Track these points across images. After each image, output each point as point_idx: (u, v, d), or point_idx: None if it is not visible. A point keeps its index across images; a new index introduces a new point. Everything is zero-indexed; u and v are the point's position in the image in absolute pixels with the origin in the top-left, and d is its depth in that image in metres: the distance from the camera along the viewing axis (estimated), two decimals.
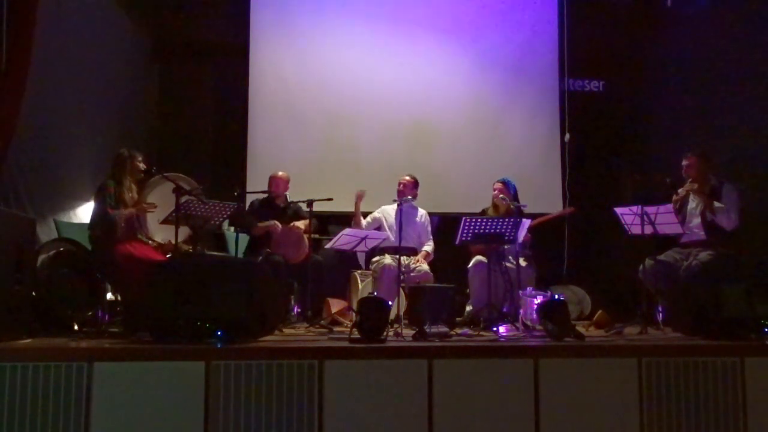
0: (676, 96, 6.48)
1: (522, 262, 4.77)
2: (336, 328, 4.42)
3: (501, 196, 5.04)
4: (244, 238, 5.25)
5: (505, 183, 5.16)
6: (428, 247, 5.50)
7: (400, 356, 3.25)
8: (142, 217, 4.34)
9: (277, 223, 5.16)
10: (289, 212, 5.38)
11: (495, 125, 7.01)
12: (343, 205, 5.40)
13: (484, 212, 5.20)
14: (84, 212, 5.25)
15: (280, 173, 5.48)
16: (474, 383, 3.21)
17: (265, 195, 5.40)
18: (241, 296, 3.43)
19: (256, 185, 6.04)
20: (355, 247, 4.83)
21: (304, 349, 3.28)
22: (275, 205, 5.41)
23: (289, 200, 5.45)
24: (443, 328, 3.93)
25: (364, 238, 4.79)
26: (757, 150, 5.36)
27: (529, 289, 4.74)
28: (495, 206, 5.19)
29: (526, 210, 4.86)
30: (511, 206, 4.84)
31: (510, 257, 4.84)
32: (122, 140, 5.43)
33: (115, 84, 6.01)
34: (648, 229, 4.41)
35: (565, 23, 6.99)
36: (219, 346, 3.22)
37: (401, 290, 4.81)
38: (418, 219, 5.57)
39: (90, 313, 4.26)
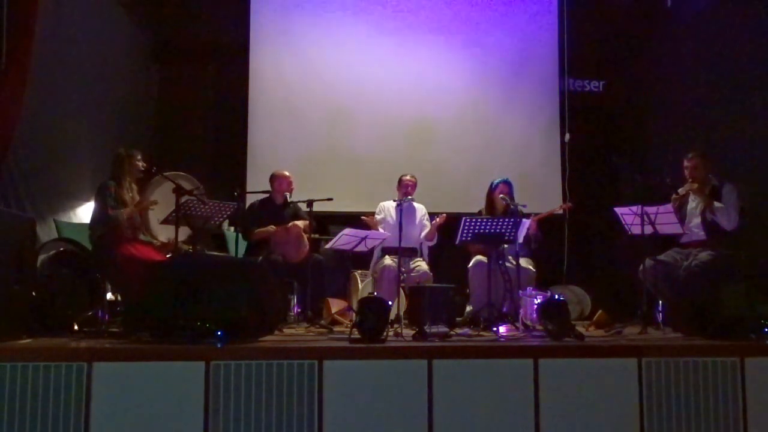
0: (676, 96, 6.48)
1: (522, 262, 4.77)
2: (336, 328, 4.42)
3: (501, 195, 5.04)
4: None
5: (509, 184, 5.16)
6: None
7: (400, 356, 3.25)
8: (144, 216, 4.33)
9: (271, 228, 5.09)
10: (288, 211, 5.35)
11: (495, 125, 7.02)
12: (343, 205, 5.39)
13: (479, 213, 5.19)
14: (84, 212, 5.25)
15: (286, 172, 5.43)
16: (474, 383, 3.20)
17: (266, 195, 5.38)
18: (241, 296, 3.43)
19: (256, 185, 6.03)
20: (355, 247, 4.82)
21: (304, 349, 3.28)
22: (275, 204, 5.38)
23: (289, 200, 5.42)
24: (443, 328, 3.93)
25: (364, 238, 4.78)
26: (757, 150, 5.36)
27: (529, 289, 4.74)
28: (492, 207, 5.18)
29: (525, 210, 4.86)
30: (511, 206, 4.84)
31: (510, 257, 4.84)
32: (122, 140, 5.43)
33: (114, 84, 6.01)
34: (648, 229, 4.41)
35: (565, 23, 6.99)
36: (219, 346, 3.21)
37: (401, 290, 4.81)
38: (418, 218, 5.57)
39: (90, 313, 4.25)
